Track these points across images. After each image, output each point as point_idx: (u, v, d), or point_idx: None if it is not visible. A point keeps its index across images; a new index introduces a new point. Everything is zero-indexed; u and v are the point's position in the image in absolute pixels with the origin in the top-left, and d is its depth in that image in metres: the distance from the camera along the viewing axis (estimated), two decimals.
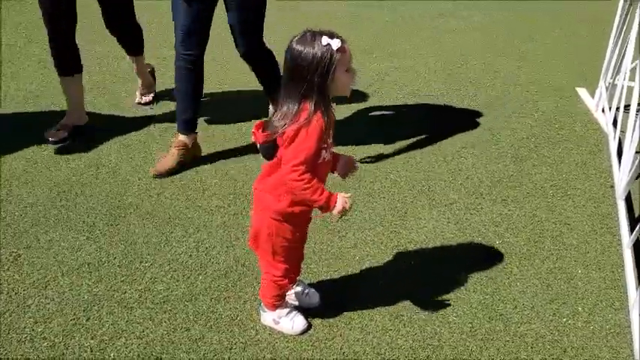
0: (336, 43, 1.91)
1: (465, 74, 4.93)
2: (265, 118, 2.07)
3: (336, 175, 2.26)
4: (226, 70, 4.77)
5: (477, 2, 6.77)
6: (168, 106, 4.12)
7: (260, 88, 3.78)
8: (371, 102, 4.35)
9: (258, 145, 2.07)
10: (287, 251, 2.21)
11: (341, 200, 2.02)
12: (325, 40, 1.90)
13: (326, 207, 2.02)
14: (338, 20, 6.10)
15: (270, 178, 2.10)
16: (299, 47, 1.92)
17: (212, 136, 3.78)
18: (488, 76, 4.90)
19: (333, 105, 2.06)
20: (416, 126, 4.04)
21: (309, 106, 1.93)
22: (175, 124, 3.48)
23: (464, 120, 4.15)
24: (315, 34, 1.92)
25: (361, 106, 4.28)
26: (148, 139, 3.72)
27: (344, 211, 2.03)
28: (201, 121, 3.95)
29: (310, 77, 1.91)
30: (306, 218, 2.24)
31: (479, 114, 4.25)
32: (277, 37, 5.46)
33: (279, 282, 2.28)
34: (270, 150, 2.05)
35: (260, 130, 2.03)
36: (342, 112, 4.10)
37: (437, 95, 4.52)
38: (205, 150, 3.61)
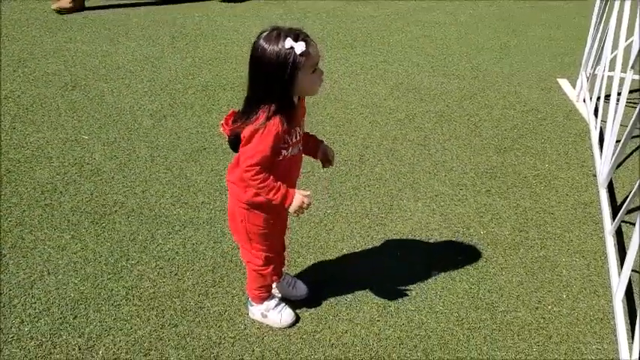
0: (300, 47, 1.86)
1: (449, 67, 4.96)
2: (236, 109, 2.05)
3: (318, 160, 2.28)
4: (222, 64, 4.77)
5: None
6: (151, 105, 4.10)
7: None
8: (354, 96, 4.37)
9: (226, 137, 2.07)
10: (263, 238, 2.20)
11: (297, 199, 2.01)
12: (289, 42, 1.85)
13: (281, 206, 2.02)
14: (324, 15, 6.11)
15: (236, 170, 2.10)
16: (264, 45, 1.87)
17: (196, 133, 3.77)
18: (472, 69, 4.94)
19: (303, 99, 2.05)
20: (400, 119, 4.06)
21: (269, 108, 1.91)
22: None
23: (447, 112, 4.18)
24: (281, 34, 1.87)
25: (345, 99, 4.29)
26: (131, 136, 3.70)
27: (300, 210, 2.03)
28: (186, 116, 3.95)
29: (271, 80, 1.89)
30: (277, 206, 2.23)
31: (462, 106, 4.28)
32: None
33: (261, 271, 2.28)
34: (234, 143, 2.05)
35: (229, 122, 2.03)
36: (326, 106, 4.11)
37: (420, 88, 4.54)
38: (189, 147, 3.60)
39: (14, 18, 5.52)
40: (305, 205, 2.03)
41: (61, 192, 3.14)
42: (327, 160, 2.26)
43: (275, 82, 1.89)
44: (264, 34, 1.90)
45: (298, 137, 2.07)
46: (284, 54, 1.85)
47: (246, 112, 1.95)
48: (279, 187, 1.99)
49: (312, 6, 6.35)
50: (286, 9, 6.23)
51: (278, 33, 1.88)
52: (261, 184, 1.97)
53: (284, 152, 2.02)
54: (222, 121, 2.05)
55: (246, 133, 1.94)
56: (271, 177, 1.98)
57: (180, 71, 4.63)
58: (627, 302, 2.54)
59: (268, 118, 1.90)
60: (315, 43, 1.94)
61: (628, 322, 2.45)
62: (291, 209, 2.02)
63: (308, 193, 2.05)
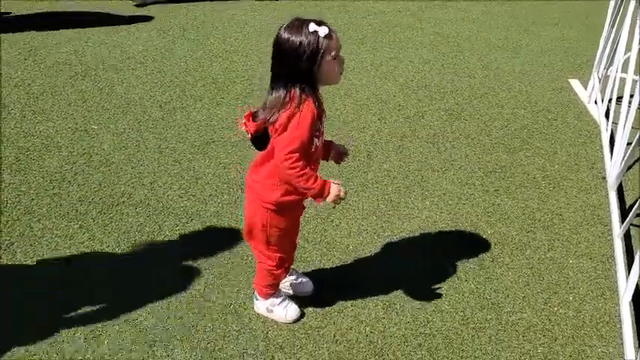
0: (323, 31, 1.89)
1: (459, 65, 4.93)
2: (253, 107, 2.05)
3: (330, 161, 2.27)
4: (229, 62, 4.77)
5: None
6: (161, 97, 4.10)
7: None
8: (364, 92, 4.35)
9: (249, 136, 2.05)
10: (281, 240, 2.21)
11: (335, 188, 2.01)
12: (312, 27, 1.88)
13: (320, 195, 2.01)
14: (335, 10, 6.08)
15: (262, 168, 2.08)
16: (286, 34, 1.90)
17: (205, 125, 3.77)
18: (483, 68, 4.91)
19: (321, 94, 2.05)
20: (409, 116, 4.05)
21: (298, 93, 1.92)
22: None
23: (457, 111, 4.16)
24: (303, 22, 1.91)
25: (354, 95, 4.28)
26: (140, 127, 3.70)
27: (338, 199, 2.02)
28: (195, 108, 3.95)
29: (298, 64, 1.90)
30: (299, 207, 2.24)
31: (472, 105, 4.26)
32: (271, 26, 5.45)
33: (274, 271, 2.28)
34: (261, 140, 2.04)
35: (250, 120, 2.02)
36: (335, 102, 4.10)
37: (430, 86, 4.52)
38: (198, 139, 3.60)
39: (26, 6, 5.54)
40: (342, 195, 2.02)
41: (69, 181, 3.15)
42: (342, 155, 2.26)
43: (300, 67, 1.90)
44: (285, 25, 1.93)
45: (324, 127, 2.08)
46: (307, 39, 1.88)
47: (274, 104, 1.94)
48: (317, 177, 1.99)
49: (323, 1, 6.32)
50: (297, 3, 6.22)
51: (300, 22, 1.90)
52: (301, 172, 1.96)
53: (316, 141, 2.01)
54: (243, 120, 2.03)
55: (282, 120, 1.92)
56: (309, 166, 1.98)
57: (190, 63, 4.63)
58: (634, 306, 2.53)
59: (300, 102, 1.91)
60: (336, 31, 1.95)
61: (635, 325, 2.43)
62: (329, 199, 2.01)
63: (339, 182, 2.05)
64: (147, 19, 5.49)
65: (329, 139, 2.24)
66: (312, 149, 2.02)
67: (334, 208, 2.09)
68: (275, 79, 1.97)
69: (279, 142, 1.96)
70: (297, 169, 1.95)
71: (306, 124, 1.92)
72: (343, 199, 2.04)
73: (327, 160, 2.26)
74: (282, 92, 1.93)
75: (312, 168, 2.05)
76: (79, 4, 5.76)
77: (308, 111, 1.92)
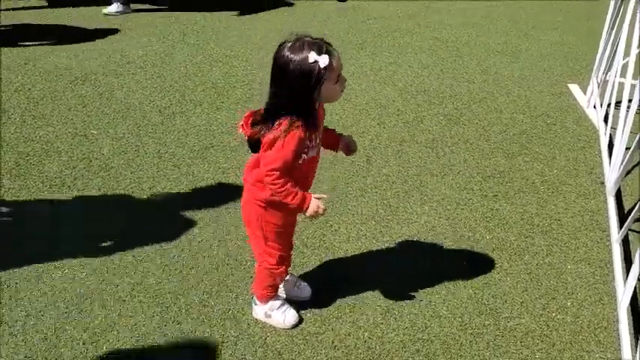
0: (323, 61, 1.89)
1: (459, 70, 4.94)
2: (254, 109, 2.07)
3: (340, 152, 2.31)
4: (229, 66, 4.77)
5: None
6: (160, 102, 4.11)
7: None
8: (363, 97, 4.36)
9: (246, 137, 2.08)
10: (278, 236, 2.23)
11: (314, 204, 2.05)
12: (313, 57, 1.88)
13: (299, 210, 2.06)
14: (334, 15, 6.10)
15: (254, 171, 2.13)
16: (288, 55, 1.90)
17: (205, 130, 3.78)
18: (482, 72, 4.92)
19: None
20: (408, 121, 4.06)
21: (290, 117, 1.94)
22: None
23: (456, 116, 4.17)
24: (305, 45, 1.90)
25: (353, 100, 4.29)
26: (140, 132, 3.71)
27: (316, 214, 2.06)
28: (194, 113, 3.96)
29: (295, 90, 1.91)
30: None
31: (471, 110, 4.27)
32: (270, 28, 5.48)
33: (274, 270, 2.29)
34: (254, 145, 2.07)
35: (248, 123, 2.04)
36: (334, 106, 4.11)
37: (429, 91, 4.53)
38: (197, 144, 3.61)
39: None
40: (321, 210, 2.06)
41: (69, 186, 3.16)
42: (350, 151, 2.29)
43: (298, 92, 1.92)
44: (288, 44, 1.92)
45: (318, 140, 2.10)
46: (308, 67, 1.88)
47: (267, 118, 1.97)
48: (296, 192, 2.02)
49: (322, 5, 6.34)
50: (296, 8, 6.23)
51: (302, 44, 1.90)
52: (280, 189, 2.00)
53: (304, 156, 2.04)
54: (241, 122, 2.05)
55: (267, 139, 1.96)
56: (290, 182, 2.01)
57: (190, 68, 4.64)
58: (632, 311, 2.53)
59: (290, 126, 1.93)
60: (338, 52, 1.96)
61: (632, 331, 2.43)
62: (308, 213, 2.06)
63: (324, 196, 2.09)
64: (140, 25, 5.51)
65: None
66: (300, 161, 2.04)
67: (311, 221, 2.11)
68: (271, 97, 1.98)
69: (264, 158, 2.00)
70: (278, 186, 2.00)
71: (292, 145, 1.95)
72: (322, 214, 2.08)
73: (336, 152, 2.30)
74: (274, 112, 1.95)
75: (302, 175, 2.07)
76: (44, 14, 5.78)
77: (295, 135, 1.94)
